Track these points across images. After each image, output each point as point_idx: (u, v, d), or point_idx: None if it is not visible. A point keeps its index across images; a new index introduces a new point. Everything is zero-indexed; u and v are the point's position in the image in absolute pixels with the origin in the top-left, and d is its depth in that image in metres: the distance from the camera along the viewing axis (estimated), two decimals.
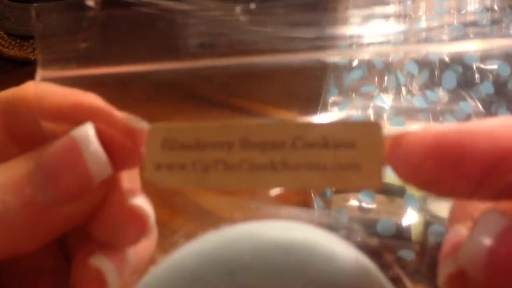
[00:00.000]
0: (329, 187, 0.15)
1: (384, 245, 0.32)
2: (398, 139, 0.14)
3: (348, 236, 0.32)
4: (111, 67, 0.17)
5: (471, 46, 0.20)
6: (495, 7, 0.39)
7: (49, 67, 0.17)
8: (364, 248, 0.31)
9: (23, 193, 0.15)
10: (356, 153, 0.14)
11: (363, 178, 0.14)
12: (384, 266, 0.32)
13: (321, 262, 0.13)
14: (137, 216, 0.16)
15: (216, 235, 0.14)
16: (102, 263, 0.16)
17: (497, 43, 0.18)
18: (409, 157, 0.13)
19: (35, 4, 0.65)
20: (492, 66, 0.38)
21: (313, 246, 0.14)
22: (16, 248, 0.15)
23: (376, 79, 0.39)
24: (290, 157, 0.14)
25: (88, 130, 0.15)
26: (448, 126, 0.13)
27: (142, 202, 0.16)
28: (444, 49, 0.23)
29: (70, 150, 0.15)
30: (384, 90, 0.39)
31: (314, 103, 0.41)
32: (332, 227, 0.32)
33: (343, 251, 0.14)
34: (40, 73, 0.17)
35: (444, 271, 0.15)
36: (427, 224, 0.32)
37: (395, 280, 0.31)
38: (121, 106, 0.17)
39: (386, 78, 0.39)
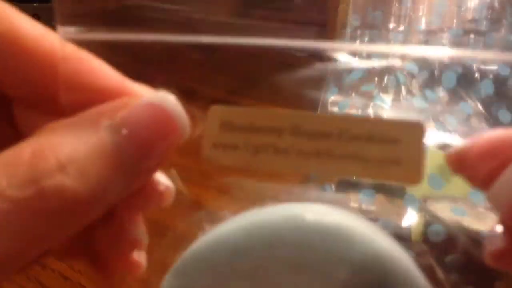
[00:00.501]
0: (369, 178, 0.16)
1: None
2: (464, 151, 0.15)
3: None
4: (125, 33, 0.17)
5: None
6: (495, 4, 0.39)
7: (67, 24, 0.16)
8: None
9: (110, 162, 0.13)
10: (399, 149, 0.15)
11: (404, 173, 0.15)
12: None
13: (355, 246, 0.15)
14: (165, 190, 0.17)
15: (259, 213, 0.16)
16: (139, 229, 0.17)
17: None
18: (478, 166, 0.14)
19: (35, 4, 0.65)
20: (492, 66, 0.38)
21: (347, 230, 0.15)
22: (94, 217, 0.14)
23: (376, 79, 0.39)
24: (335, 148, 0.15)
25: (168, 95, 0.15)
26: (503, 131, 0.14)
27: (164, 177, 0.17)
28: (444, 52, 0.23)
29: (162, 115, 0.15)
30: (384, 89, 0.39)
31: (314, 102, 0.41)
32: None
33: (377, 237, 0.15)
34: (60, 30, 0.16)
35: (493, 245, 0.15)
36: (427, 224, 0.32)
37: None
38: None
39: (385, 78, 0.39)
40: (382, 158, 0.15)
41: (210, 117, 0.16)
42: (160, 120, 0.15)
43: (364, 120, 0.15)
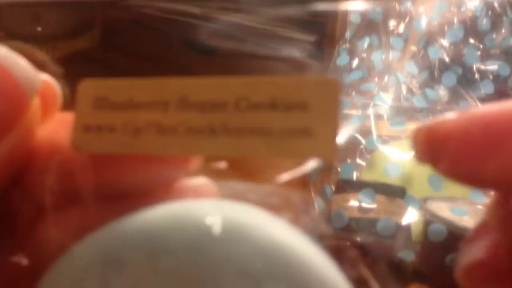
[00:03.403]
0: (275, 156, 0.12)
1: (384, 245, 0.32)
2: (435, 131, 0.12)
3: (348, 236, 0.32)
4: None
5: None
6: (495, 4, 0.39)
7: None
8: (363, 248, 0.31)
9: None
10: (308, 116, 0.12)
11: (314, 146, 0.12)
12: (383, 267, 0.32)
13: (247, 245, 0.11)
14: None
15: (140, 216, 0.13)
16: None
17: None
18: (453, 149, 0.11)
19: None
20: (492, 66, 0.38)
21: (241, 227, 0.12)
22: None
23: (376, 79, 0.39)
24: (232, 120, 0.12)
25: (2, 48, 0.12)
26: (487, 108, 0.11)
27: None
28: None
29: None
30: (384, 88, 0.39)
31: None
32: (331, 228, 0.33)
33: (279, 235, 0.12)
34: None
35: (468, 258, 0.12)
36: (427, 224, 0.32)
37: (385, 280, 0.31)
38: None
39: (386, 78, 0.39)
40: (289, 129, 0.12)
41: (80, 93, 0.13)
42: None
43: (265, 83, 0.12)
